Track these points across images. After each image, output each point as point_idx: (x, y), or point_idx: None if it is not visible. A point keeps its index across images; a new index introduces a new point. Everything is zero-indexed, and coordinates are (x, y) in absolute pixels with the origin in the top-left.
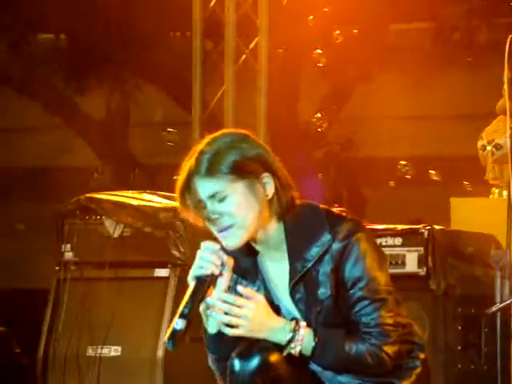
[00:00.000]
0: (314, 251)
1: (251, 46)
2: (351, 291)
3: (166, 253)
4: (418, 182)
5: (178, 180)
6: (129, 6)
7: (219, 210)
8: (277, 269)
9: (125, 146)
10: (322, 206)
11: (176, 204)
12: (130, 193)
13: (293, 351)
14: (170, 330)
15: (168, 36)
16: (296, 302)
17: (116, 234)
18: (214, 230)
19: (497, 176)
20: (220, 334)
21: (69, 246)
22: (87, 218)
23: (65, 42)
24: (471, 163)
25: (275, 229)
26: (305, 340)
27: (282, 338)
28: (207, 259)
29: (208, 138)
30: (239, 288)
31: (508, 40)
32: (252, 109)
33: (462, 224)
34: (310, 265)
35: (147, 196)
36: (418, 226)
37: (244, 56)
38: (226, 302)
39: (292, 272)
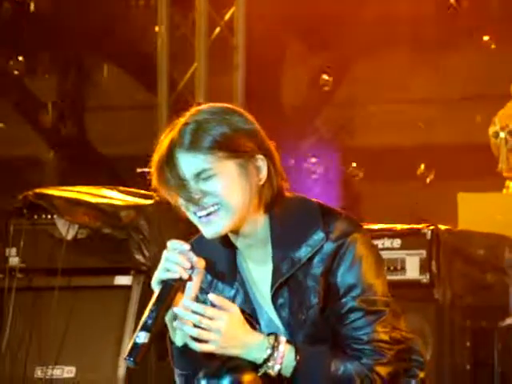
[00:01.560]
0: (304, 251)
1: (226, 17)
2: (343, 300)
3: (127, 257)
4: (421, 175)
5: (155, 153)
6: None
7: (203, 189)
8: (259, 270)
9: (80, 133)
10: (314, 199)
11: (139, 201)
12: (85, 188)
13: (270, 371)
14: (130, 344)
15: (129, 4)
16: (277, 308)
17: (69, 236)
18: (192, 213)
19: (511, 167)
20: (189, 346)
21: (14, 250)
22: (36, 217)
23: (9, 11)
24: (482, 152)
25: (261, 222)
26: (285, 358)
27: (258, 355)
28: (174, 261)
29: (193, 110)
30: (211, 296)
31: None
32: (227, 90)
33: (472, 223)
34: (297, 266)
35: (106, 192)
36: (419, 226)
37: (218, 29)
38: (195, 312)
39: (275, 274)
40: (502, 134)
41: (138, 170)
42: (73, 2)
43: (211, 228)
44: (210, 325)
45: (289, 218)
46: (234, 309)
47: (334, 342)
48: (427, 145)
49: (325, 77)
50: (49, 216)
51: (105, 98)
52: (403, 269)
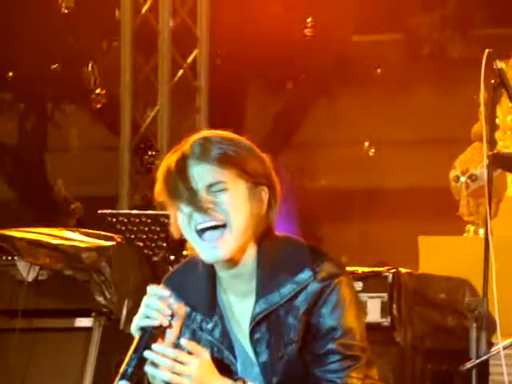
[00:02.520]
0: (288, 288)
1: (189, 59)
2: (321, 341)
3: (88, 299)
4: (382, 217)
5: (162, 166)
6: (44, 7)
7: (215, 200)
8: (240, 303)
9: (42, 175)
10: (303, 240)
11: (101, 243)
12: (47, 230)
13: None
14: None
15: (92, 46)
16: (254, 344)
17: (30, 278)
18: (195, 232)
19: (472, 211)
20: None
21: None
22: None
23: None
24: (442, 196)
25: (250, 254)
26: None
27: None
28: (154, 308)
29: (205, 131)
30: (182, 341)
31: (484, 55)
32: (190, 132)
33: (432, 266)
34: (280, 303)
35: (67, 233)
36: (381, 269)
37: (181, 71)
38: (167, 356)
39: (256, 308)
40: (463, 179)
41: (100, 212)
42: (36, 43)
43: (217, 250)
44: (181, 370)
45: (277, 254)
46: (205, 354)
47: (305, 382)
48: (387, 187)
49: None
50: (10, 257)
51: (66, 139)
52: (364, 312)
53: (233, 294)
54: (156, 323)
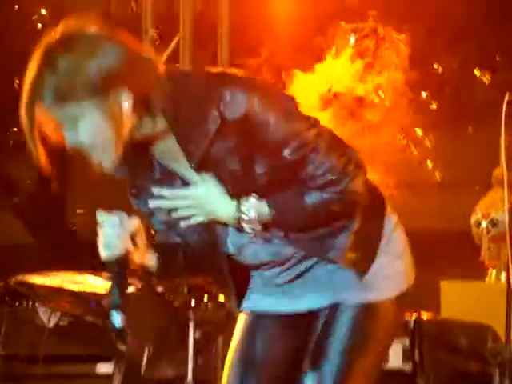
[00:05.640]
0: (203, 131)
1: None
2: (277, 157)
3: (109, 345)
4: None
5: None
6: None
7: (74, 141)
8: (178, 162)
9: (63, 216)
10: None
11: None
12: (69, 274)
13: (246, 218)
14: (114, 332)
15: None
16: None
17: (51, 324)
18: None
19: (493, 256)
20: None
21: None
22: (17, 304)
23: None
24: (464, 241)
25: (158, 123)
26: (256, 203)
27: (231, 207)
28: (113, 235)
29: (62, 38)
30: (164, 192)
31: (505, 99)
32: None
33: (454, 312)
34: (207, 143)
35: (89, 279)
36: None
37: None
38: (169, 198)
39: (190, 158)
40: (484, 223)
41: None
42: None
43: (103, 168)
44: (186, 203)
45: (181, 107)
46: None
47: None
48: (408, 230)
49: None
50: (30, 303)
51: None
52: (386, 358)
53: (167, 157)
54: (121, 252)
